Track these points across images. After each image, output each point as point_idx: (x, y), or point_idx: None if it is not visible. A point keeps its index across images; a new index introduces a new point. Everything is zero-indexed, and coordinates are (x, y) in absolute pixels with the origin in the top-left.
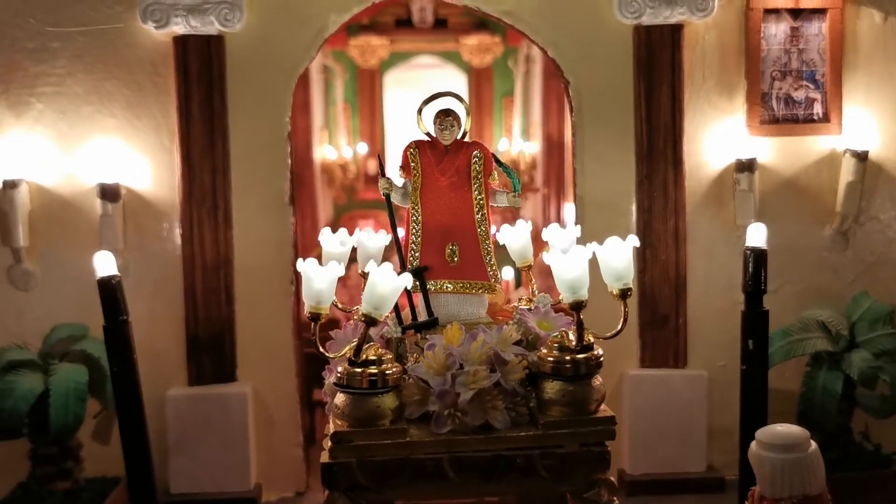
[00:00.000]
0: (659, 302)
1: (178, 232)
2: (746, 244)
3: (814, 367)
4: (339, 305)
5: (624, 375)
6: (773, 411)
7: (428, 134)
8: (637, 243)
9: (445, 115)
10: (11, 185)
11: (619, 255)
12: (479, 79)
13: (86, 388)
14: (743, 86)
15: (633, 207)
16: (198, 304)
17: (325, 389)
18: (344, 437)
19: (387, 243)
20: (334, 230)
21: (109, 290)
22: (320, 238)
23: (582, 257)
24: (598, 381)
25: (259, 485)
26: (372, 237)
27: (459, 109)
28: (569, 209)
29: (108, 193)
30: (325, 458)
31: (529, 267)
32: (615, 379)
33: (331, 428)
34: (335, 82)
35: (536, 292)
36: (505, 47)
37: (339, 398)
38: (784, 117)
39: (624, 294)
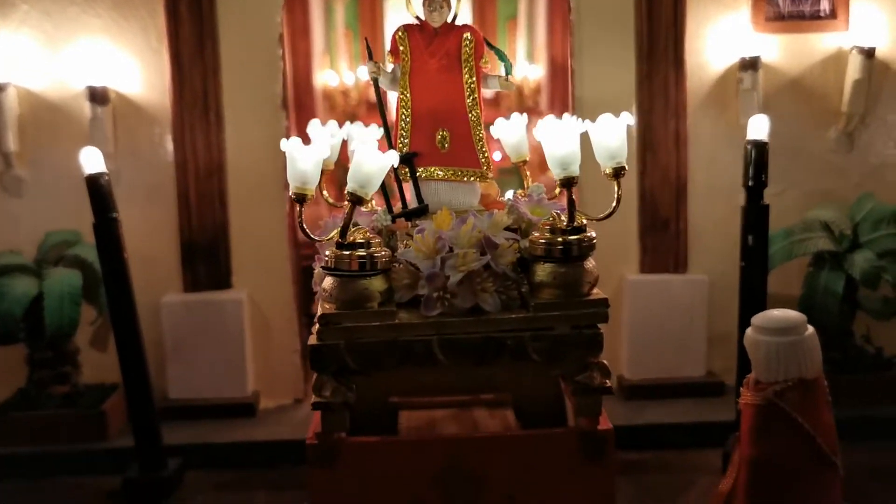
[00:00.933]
0: (659, 206)
1: (169, 137)
2: (747, 136)
3: (815, 267)
4: (330, 200)
5: (623, 281)
6: None
7: (417, 18)
8: (632, 120)
9: None
10: None
11: (612, 133)
12: (482, 2)
13: (80, 292)
14: None
15: (633, 109)
16: (191, 210)
17: (315, 278)
18: (332, 318)
19: (377, 136)
20: None
21: (98, 187)
22: (309, 129)
23: (573, 132)
24: (590, 263)
25: (257, 392)
26: (362, 129)
27: None
28: None
29: (97, 96)
30: (312, 340)
31: (525, 162)
32: (614, 284)
33: (318, 312)
34: (335, 6)
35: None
36: None
37: (327, 282)
38: (790, 13)
39: (617, 173)
